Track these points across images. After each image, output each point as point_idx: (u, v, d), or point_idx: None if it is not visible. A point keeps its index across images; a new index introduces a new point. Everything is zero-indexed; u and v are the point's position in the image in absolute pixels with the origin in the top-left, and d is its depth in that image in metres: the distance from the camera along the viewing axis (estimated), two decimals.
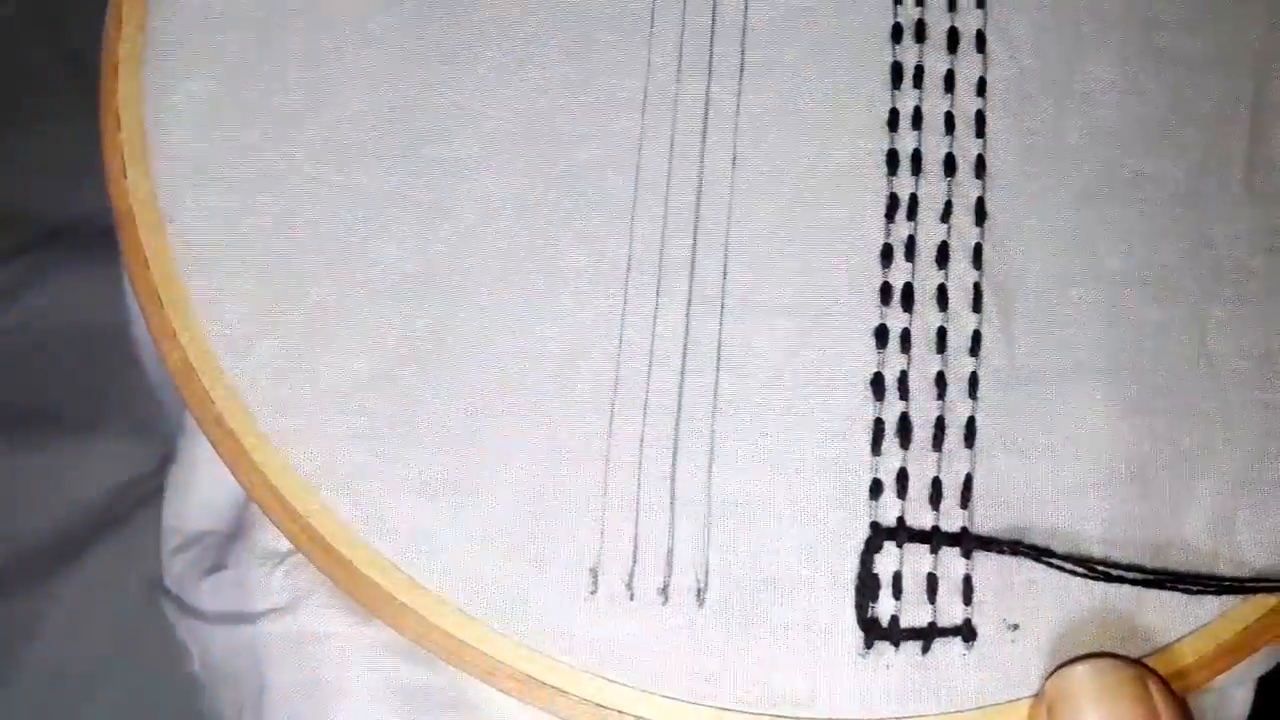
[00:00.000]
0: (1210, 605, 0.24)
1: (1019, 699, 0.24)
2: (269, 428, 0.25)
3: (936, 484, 0.25)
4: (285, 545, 0.27)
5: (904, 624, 0.25)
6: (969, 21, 0.27)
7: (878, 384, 0.25)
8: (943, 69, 0.27)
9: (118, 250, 0.64)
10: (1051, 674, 0.24)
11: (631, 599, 0.25)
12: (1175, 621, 0.24)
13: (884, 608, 0.25)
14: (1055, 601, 0.25)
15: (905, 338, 0.26)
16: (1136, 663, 0.24)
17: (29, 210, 0.61)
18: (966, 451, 0.25)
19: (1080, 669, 0.23)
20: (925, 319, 0.26)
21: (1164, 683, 0.23)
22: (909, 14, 0.27)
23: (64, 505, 0.56)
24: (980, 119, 0.27)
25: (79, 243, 0.61)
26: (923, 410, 0.25)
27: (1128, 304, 0.26)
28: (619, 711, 0.25)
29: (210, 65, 0.27)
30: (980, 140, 0.27)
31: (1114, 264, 0.26)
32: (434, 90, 0.26)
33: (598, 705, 0.25)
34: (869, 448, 0.25)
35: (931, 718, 0.24)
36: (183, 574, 0.30)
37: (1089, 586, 0.24)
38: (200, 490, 0.30)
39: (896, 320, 0.26)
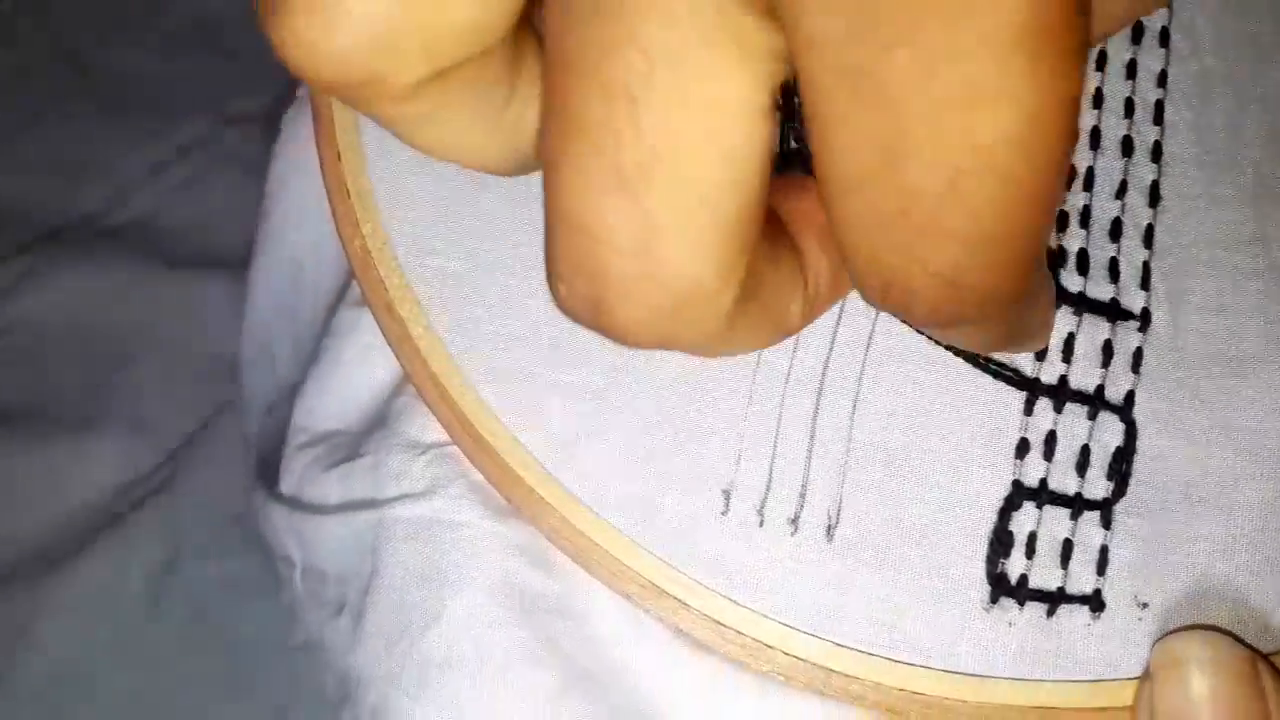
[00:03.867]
0: None
1: (1136, 678, 0.24)
2: (435, 321, 0.26)
3: (1085, 451, 0.25)
4: (430, 438, 0.27)
5: (1032, 584, 0.24)
6: (1154, 17, 0.28)
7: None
8: (1125, 58, 0.27)
9: (117, 251, 0.63)
10: (1159, 641, 0.23)
11: (761, 525, 0.25)
12: None
13: (1014, 566, 0.24)
14: (1190, 587, 0.24)
15: (1079, 300, 0.26)
16: (1248, 646, 0.23)
17: (29, 210, 0.61)
18: (1120, 425, 0.25)
19: (1191, 637, 0.23)
20: (1098, 287, 0.26)
21: (1274, 667, 0.23)
22: None
23: (64, 505, 0.56)
24: (1159, 107, 0.27)
25: (79, 243, 0.61)
26: (1083, 376, 0.25)
27: None
28: (737, 631, 0.25)
29: None
30: (1158, 127, 0.27)
31: None
32: None
33: (717, 623, 0.25)
34: (1022, 407, 0.25)
35: (1048, 683, 0.24)
36: (304, 470, 0.30)
37: (1228, 577, 0.24)
38: (340, 389, 0.30)
39: (1070, 283, 0.26)
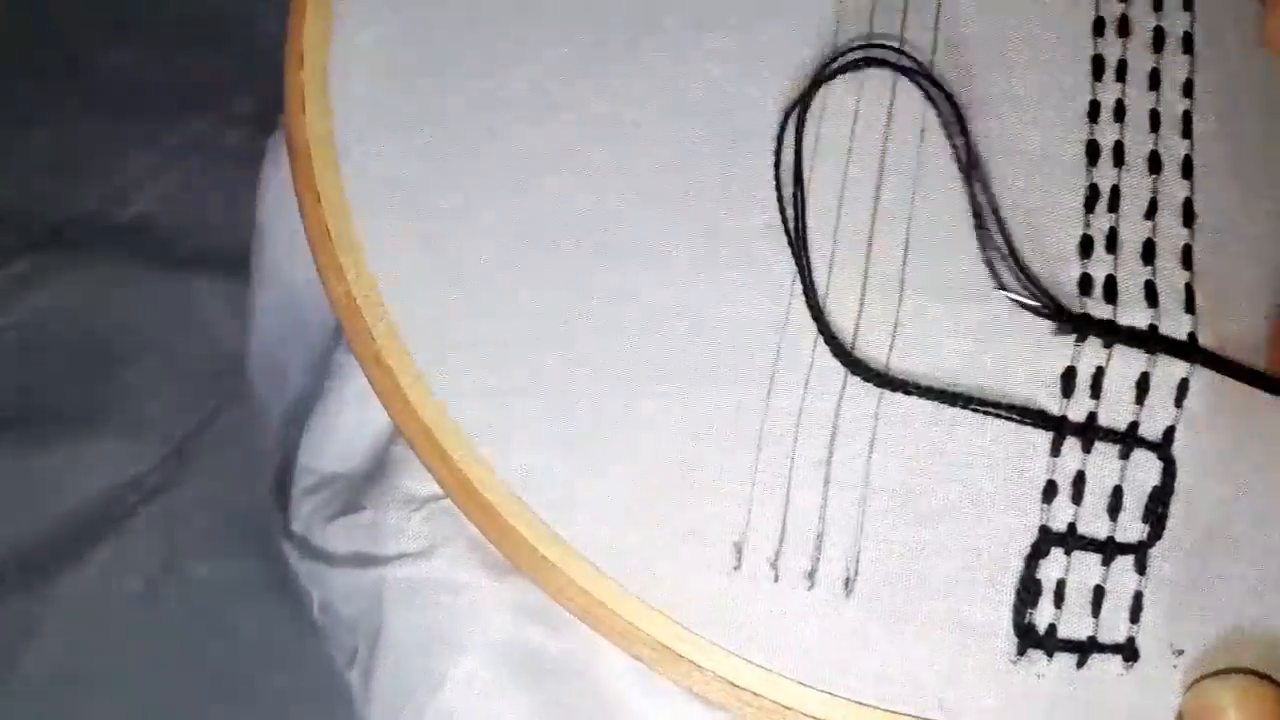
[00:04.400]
0: None
1: None
2: (427, 370, 0.25)
3: (1118, 492, 0.24)
4: (425, 490, 0.27)
5: (1061, 634, 0.23)
6: (1176, 23, 0.26)
7: (1068, 379, 0.24)
8: (1147, 67, 0.26)
9: (117, 251, 0.63)
10: (1191, 686, 0.23)
11: (776, 579, 0.24)
12: None
13: (1042, 615, 0.23)
14: (1224, 632, 0.23)
15: (1109, 329, 0.24)
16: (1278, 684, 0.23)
17: (29, 210, 0.61)
18: (1156, 462, 0.24)
19: (1225, 682, 0.23)
20: (1132, 314, 0.24)
21: None
22: (1112, 9, 0.26)
23: (64, 505, 0.56)
24: (1187, 119, 0.26)
25: (79, 243, 0.61)
26: (1114, 413, 0.24)
27: None
28: (753, 693, 0.24)
29: (392, 13, 0.27)
30: (1187, 140, 0.25)
31: None
32: (612, 49, 0.26)
33: (731, 684, 0.24)
34: (1048, 448, 0.24)
35: None
36: (311, 515, 0.30)
37: (1262, 618, 0.23)
38: (341, 431, 0.30)
39: (1098, 311, 0.24)
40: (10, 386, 0.58)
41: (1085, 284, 0.24)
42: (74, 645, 0.55)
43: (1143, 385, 0.24)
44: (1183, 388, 0.24)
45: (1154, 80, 0.26)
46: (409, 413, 0.25)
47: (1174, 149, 0.25)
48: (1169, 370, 0.24)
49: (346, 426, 0.29)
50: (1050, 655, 0.23)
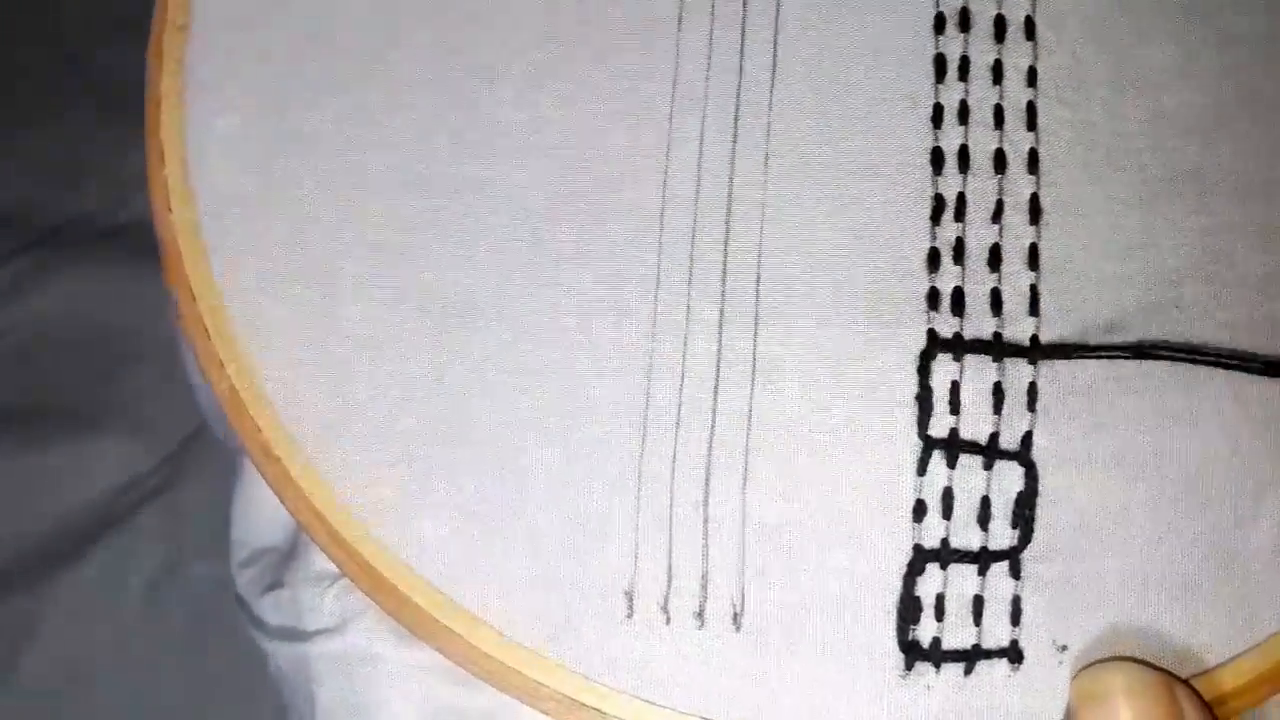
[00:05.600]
0: (1266, 625, 0.24)
1: None
2: (315, 455, 0.26)
3: (986, 503, 0.24)
4: (334, 568, 0.27)
5: (946, 646, 0.24)
6: (1017, 8, 0.26)
7: (924, 400, 0.24)
8: (990, 59, 0.25)
9: (117, 251, 0.63)
10: (1075, 677, 0.23)
11: (668, 622, 0.24)
12: (1228, 642, 0.24)
13: (925, 630, 0.24)
14: (1106, 624, 0.24)
15: (955, 344, 0.24)
16: (1162, 670, 0.23)
17: (29, 210, 0.61)
18: (1018, 469, 0.24)
19: (1108, 668, 0.23)
20: (978, 325, 0.24)
21: (1192, 690, 0.23)
22: (952, 3, 0.26)
23: (64, 505, 0.57)
24: (1032, 110, 0.25)
25: (79, 243, 0.61)
26: (974, 425, 0.24)
27: (1190, 306, 0.24)
28: None
29: (243, 97, 0.27)
30: (1032, 133, 0.25)
31: (1173, 263, 0.24)
32: (462, 108, 0.26)
33: None
34: (914, 468, 0.24)
35: None
36: (248, 587, 0.31)
37: (1141, 607, 0.24)
38: (262, 508, 0.31)
39: (945, 326, 0.24)
40: (10, 387, 0.59)
41: (934, 298, 0.25)
42: (74, 645, 0.55)
43: (998, 394, 0.24)
44: (1032, 391, 0.24)
45: (997, 74, 0.25)
46: (300, 499, 0.25)
47: (1019, 144, 0.25)
48: (1018, 375, 0.24)
49: (264, 504, 0.30)
50: (937, 667, 0.24)
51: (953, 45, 0.26)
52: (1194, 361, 0.24)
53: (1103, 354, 0.24)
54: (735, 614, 0.24)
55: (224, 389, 0.26)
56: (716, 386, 0.25)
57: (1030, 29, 0.26)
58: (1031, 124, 0.25)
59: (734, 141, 0.26)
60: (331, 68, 0.27)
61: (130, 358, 0.59)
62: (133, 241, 0.61)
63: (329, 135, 0.27)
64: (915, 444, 0.24)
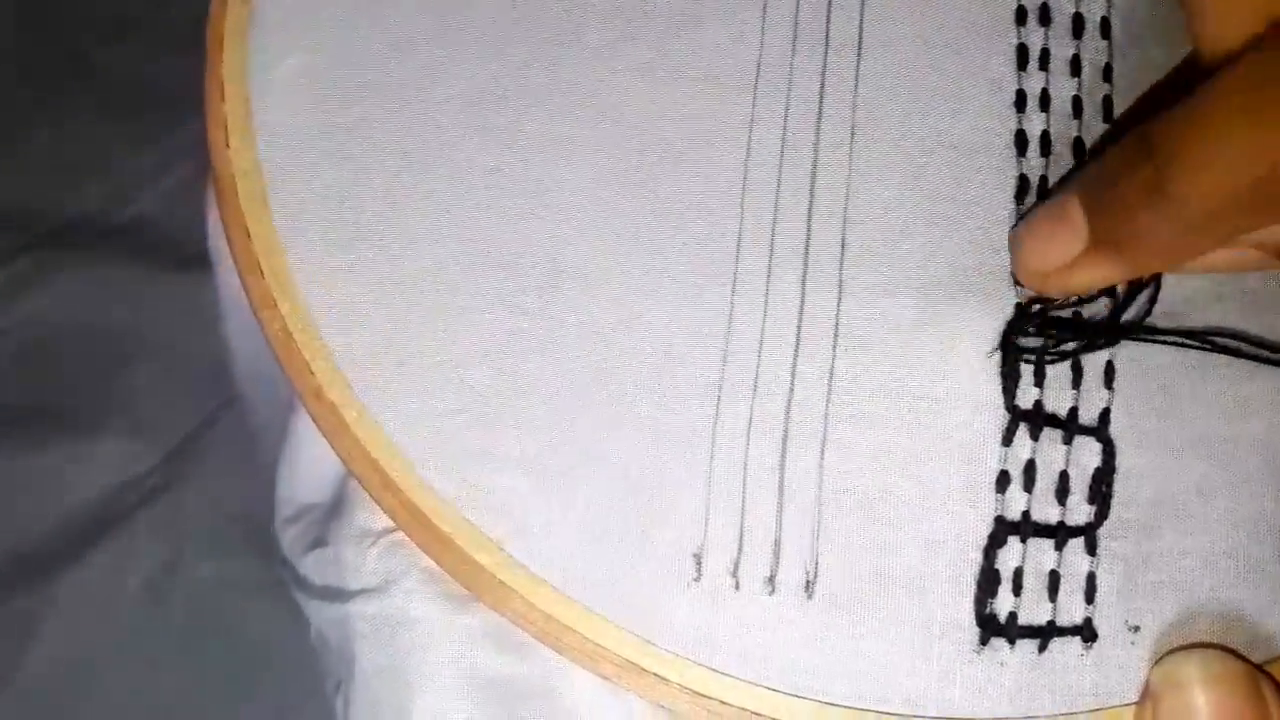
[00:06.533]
0: None
1: (1135, 703, 0.23)
2: (369, 401, 0.25)
3: (1064, 477, 0.24)
4: (380, 524, 0.26)
5: (1022, 621, 0.24)
6: (1094, 8, 0.26)
7: (1010, 373, 0.24)
8: (1069, 53, 0.26)
9: (117, 251, 0.63)
10: (1157, 664, 0.23)
11: (737, 588, 0.24)
12: None
13: (1002, 604, 0.24)
14: (1178, 605, 0.24)
15: (1039, 317, 0.24)
16: (1246, 660, 0.23)
17: (29, 210, 0.61)
18: (1096, 445, 0.24)
19: (1189, 657, 0.23)
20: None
21: (1274, 681, 0.23)
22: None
23: (64, 505, 0.57)
24: (1108, 104, 0.26)
25: (79, 243, 0.61)
26: (1056, 399, 0.24)
27: (1256, 293, 0.25)
28: (720, 701, 0.24)
29: (312, 41, 0.27)
30: (1109, 125, 0.26)
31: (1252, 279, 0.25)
32: (536, 68, 0.26)
33: (697, 694, 0.24)
34: (999, 438, 0.24)
35: (1045, 718, 0.23)
36: (292, 545, 0.30)
37: (1214, 589, 0.24)
38: (309, 464, 0.29)
39: (1027, 299, 0.25)
40: (10, 386, 0.59)
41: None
42: (74, 645, 0.55)
43: (1076, 369, 0.24)
44: (1109, 370, 0.24)
45: (1075, 67, 0.26)
46: (354, 446, 0.25)
47: (1097, 134, 0.26)
48: (1095, 353, 0.25)
49: (313, 459, 0.29)
50: (1012, 643, 0.24)
51: (1034, 37, 0.26)
52: (1259, 359, 0.24)
53: (1172, 339, 0.24)
54: (808, 581, 0.24)
55: (276, 329, 0.26)
56: (796, 352, 0.25)
57: (1106, 28, 0.26)
58: (1108, 116, 0.26)
59: (819, 116, 0.26)
60: (407, 21, 0.27)
61: (130, 358, 0.59)
62: (133, 241, 0.61)
63: (398, 86, 0.27)
64: (1002, 415, 0.24)
